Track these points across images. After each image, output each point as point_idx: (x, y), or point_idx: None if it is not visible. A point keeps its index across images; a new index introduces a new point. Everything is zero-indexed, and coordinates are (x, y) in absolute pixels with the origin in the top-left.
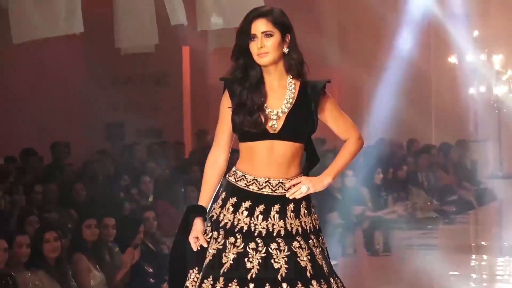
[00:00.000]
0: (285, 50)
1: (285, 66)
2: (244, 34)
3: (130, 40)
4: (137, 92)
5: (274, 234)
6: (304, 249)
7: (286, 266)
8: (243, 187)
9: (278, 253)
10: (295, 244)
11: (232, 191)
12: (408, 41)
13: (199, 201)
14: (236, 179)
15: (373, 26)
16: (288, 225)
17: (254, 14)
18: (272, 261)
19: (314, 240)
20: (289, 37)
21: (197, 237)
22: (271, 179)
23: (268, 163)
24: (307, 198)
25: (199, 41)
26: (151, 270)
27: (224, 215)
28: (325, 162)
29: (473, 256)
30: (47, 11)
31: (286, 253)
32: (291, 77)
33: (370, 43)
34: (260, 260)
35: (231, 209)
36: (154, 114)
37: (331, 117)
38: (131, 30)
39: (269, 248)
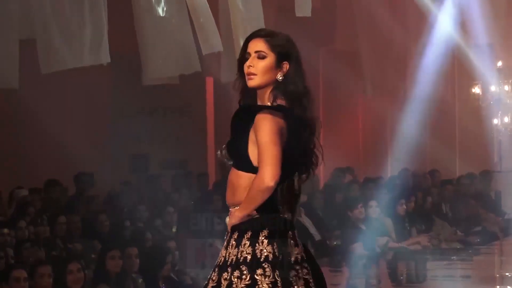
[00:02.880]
0: (279, 77)
1: (272, 93)
2: (242, 51)
3: (164, 70)
4: (161, 123)
5: (216, 263)
6: (212, 281)
7: None
8: None
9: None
10: (212, 274)
11: None
12: (432, 72)
13: None
14: None
15: (396, 57)
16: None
17: (255, 33)
18: None
19: (229, 273)
20: (287, 66)
21: None
22: (228, 205)
23: (227, 188)
24: (243, 229)
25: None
26: None
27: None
28: (348, 194)
29: (498, 287)
30: (74, 42)
31: (213, 285)
32: (269, 104)
33: (393, 74)
34: None
35: None
36: (178, 145)
37: (258, 146)
38: (165, 60)
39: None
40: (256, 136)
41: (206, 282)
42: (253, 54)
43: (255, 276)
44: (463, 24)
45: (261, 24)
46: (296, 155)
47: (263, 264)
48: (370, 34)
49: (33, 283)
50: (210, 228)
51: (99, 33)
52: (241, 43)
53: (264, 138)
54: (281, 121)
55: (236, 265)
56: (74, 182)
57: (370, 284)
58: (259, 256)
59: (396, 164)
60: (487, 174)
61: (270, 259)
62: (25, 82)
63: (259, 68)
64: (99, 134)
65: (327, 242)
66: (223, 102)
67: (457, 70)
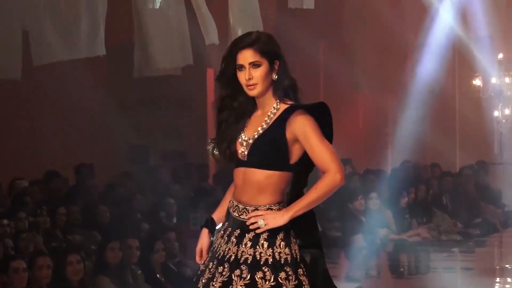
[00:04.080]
0: (274, 77)
1: (273, 92)
2: (230, 63)
3: (165, 62)
4: (162, 114)
5: (225, 258)
6: (243, 279)
7: None
8: (229, 211)
9: (219, 277)
10: (237, 272)
11: (226, 216)
12: (432, 64)
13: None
14: (229, 205)
15: (397, 49)
16: (239, 252)
17: (241, 44)
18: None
19: (268, 274)
20: (278, 64)
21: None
22: (240, 204)
23: (242, 188)
24: (276, 230)
25: None
26: None
27: (219, 242)
28: (349, 186)
29: (497, 279)
30: (68, 33)
31: (224, 279)
32: (278, 102)
33: (394, 66)
34: (221, 284)
35: (223, 234)
36: (179, 136)
37: (306, 145)
38: (163, 52)
39: (216, 272)
40: (305, 135)
41: (226, 279)
42: (247, 66)
43: (299, 276)
44: (463, 17)
45: (256, 16)
46: None
47: (301, 264)
48: (370, 26)
49: (32, 274)
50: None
51: (95, 25)
52: (239, 33)
53: (318, 136)
54: None
55: (278, 266)
56: (74, 173)
57: (370, 275)
58: (295, 257)
59: (396, 156)
60: (488, 166)
61: (303, 260)
62: (25, 73)
63: (259, 77)
64: (100, 125)
65: (327, 233)
66: None
67: (458, 62)
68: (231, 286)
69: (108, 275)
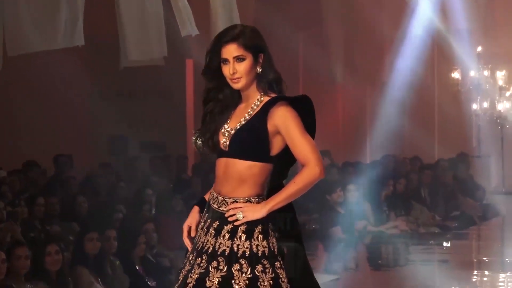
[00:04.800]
0: (259, 70)
1: (257, 85)
2: (215, 57)
3: (140, 53)
4: (141, 105)
5: (204, 250)
6: (220, 271)
7: (194, 283)
8: (209, 203)
9: (197, 269)
10: (214, 263)
11: (206, 208)
12: (412, 57)
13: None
14: (210, 196)
15: (376, 42)
16: (217, 244)
17: (225, 39)
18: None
19: (244, 266)
20: (263, 57)
21: (190, 226)
22: (220, 196)
23: (222, 179)
24: (254, 222)
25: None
26: (153, 282)
27: (199, 234)
28: (327, 178)
29: (475, 272)
30: (45, 24)
31: (202, 271)
32: (262, 94)
33: (373, 59)
34: (198, 276)
35: (202, 226)
36: (158, 127)
37: (287, 137)
38: (139, 43)
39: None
40: (287, 127)
41: (203, 270)
42: (231, 60)
43: (276, 269)
44: (443, 10)
45: (234, 8)
46: None
47: (278, 257)
48: (350, 19)
49: (10, 265)
50: (188, 211)
51: (74, 15)
52: (218, 25)
53: (299, 129)
54: None
55: (255, 259)
56: (53, 163)
57: (348, 267)
58: (272, 250)
59: (375, 148)
60: (466, 159)
61: (281, 253)
62: (4, 63)
63: (243, 71)
64: (79, 116)
65: (306, 225)
66: (203, 84)
67: (437, 55)
68: (208, 278)
69: (86, 266)
